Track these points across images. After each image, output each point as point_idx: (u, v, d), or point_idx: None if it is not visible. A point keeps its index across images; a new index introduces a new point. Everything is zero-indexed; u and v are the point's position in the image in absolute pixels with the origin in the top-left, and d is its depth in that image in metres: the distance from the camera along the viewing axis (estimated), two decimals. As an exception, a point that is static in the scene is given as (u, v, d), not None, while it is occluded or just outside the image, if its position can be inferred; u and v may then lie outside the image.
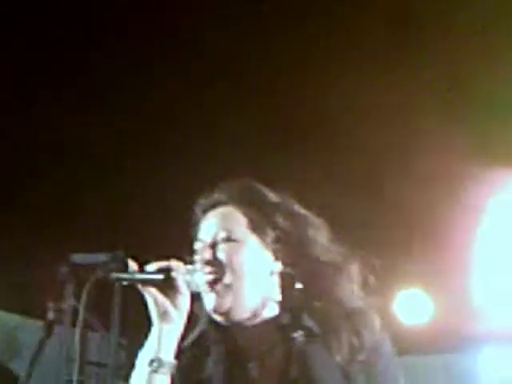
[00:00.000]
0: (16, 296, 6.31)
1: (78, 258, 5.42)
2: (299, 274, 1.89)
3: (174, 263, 1.81)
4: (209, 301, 1.87)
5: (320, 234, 1.93)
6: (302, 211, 1.96)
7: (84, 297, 1.76)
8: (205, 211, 1.98)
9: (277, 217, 1.92)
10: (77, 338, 1.83)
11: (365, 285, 1.91)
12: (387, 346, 1.90)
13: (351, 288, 1.91)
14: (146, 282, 1.80)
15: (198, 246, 1.94)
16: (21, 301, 6.40)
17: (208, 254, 1.89)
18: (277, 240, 1.91)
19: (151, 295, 1.80)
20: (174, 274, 1.79)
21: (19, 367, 6.24)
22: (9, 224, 5.45)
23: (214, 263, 1.88)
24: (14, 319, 6.93)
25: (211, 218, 1.96)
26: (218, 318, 1.88)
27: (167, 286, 1.78)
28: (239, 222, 1.93)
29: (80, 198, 5.67)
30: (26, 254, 5.81)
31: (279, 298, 1.90)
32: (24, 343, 6.68)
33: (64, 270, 5.48)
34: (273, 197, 1.96)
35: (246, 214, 1.93)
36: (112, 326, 6.88)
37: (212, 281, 1.86)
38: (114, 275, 1.80)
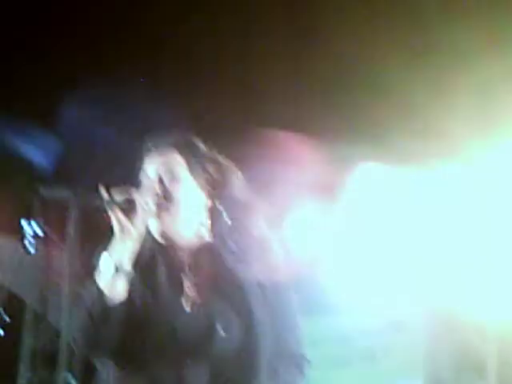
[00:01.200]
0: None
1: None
2: (225, 209, 2.50)
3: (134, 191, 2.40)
4: (155, 226, 2.42)
5: (237, 178, 2.54)
6: (225, 161, 2.55)
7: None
8: (152, 151, 2.53)
9: (207, 164, 2.51)
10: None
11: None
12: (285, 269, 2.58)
13: (262, 220, 2.57)
14: (113, 205, 2.36)
15: (146, 180, 2.48)
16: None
17: (157, 187, 2.44)
18: (206, 182, 2.50)
19: (116, 215, 2.34)
20: (135, 198, 2.38)
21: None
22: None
23: (161, 195, 2.42)
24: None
25: (159, 158, 2.51)
26: (161, 239, 2.43)
27: (129, 208, 2.36)
28: (181, 164, 2.51)
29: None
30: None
31: (210, 228, 2.49)
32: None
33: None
34: (204, 149, 2.55)
35: (185, 160, 2.50)
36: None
37: (158, 209, 2.40)
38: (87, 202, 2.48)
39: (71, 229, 7.54)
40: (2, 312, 6.42)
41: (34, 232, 2.89)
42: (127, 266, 2.37)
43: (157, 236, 2.45)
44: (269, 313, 2.47)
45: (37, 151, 6.72)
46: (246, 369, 2.42)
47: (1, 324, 5.66)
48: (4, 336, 6.19)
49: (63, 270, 7.61)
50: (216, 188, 2.52)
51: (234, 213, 2.53)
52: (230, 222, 2.51)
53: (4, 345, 6.39)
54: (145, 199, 2.41)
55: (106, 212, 2.36)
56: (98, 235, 2.43)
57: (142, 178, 2.53)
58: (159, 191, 2.46)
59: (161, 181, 2.49)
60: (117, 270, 2.36)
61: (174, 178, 2.51)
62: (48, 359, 7.50)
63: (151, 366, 2.41)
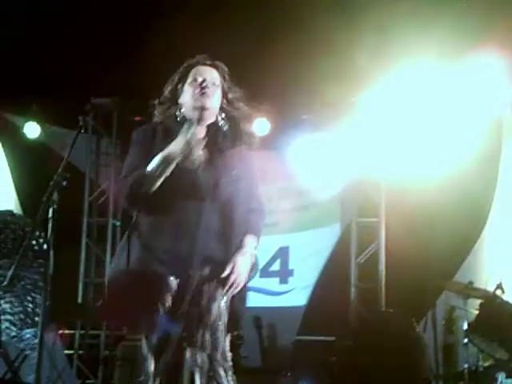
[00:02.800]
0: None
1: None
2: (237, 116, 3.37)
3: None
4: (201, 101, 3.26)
5: (240, 97, 3.37)
6: (238, 90, 3.39)
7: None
8: (201, 64, 3.34)
9: (228, 87, 3.37)
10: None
11: None
12: None
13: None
14: None
15: (197, 78, 3.30)
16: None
17: (204, 86, 3.26)
18: (225, 97, 3.35)
19: None
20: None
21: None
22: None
23: (207, 91, 3.27)
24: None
25: (207, 69, 3.34)
26: (200, 114, 3.27)
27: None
28: (218, 79, 3.34)
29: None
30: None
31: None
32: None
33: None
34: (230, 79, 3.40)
35: (221, 78, 3.35)
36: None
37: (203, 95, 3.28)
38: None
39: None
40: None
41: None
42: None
43: (198, 110, 3.23)
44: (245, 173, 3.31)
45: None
46: (233, 213, 3.22)
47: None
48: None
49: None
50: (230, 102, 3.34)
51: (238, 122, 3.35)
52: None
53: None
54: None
55: None
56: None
57: (190, 81, 3.30)
58: (207, 88, 3.27)
59: (205, 81, 3.28)
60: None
61: (215, 84, 3.30)
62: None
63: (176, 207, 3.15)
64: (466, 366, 5.68)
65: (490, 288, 5.82)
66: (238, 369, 3.26)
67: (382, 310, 7.57)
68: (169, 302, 3.16)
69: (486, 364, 5.73)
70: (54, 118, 8.05)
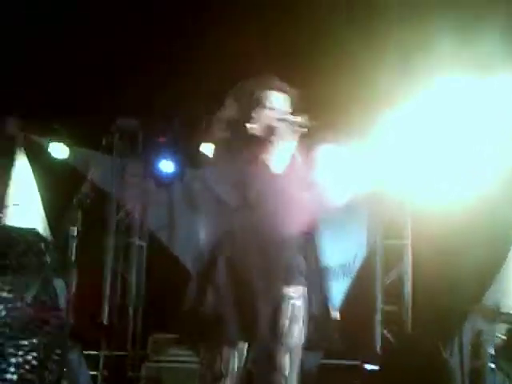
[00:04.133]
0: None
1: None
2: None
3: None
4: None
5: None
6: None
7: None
8: (272, 89, 3.25)
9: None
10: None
11: None
12: None
13: None
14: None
15: (269, 106, 3.24)
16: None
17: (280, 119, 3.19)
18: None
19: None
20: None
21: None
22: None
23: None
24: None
25: (279, 96, 3.28)
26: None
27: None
28: (288, 107, 3.27)
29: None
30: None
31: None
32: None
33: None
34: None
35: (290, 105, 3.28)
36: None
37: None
38: None
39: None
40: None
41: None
42: None
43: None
44: None
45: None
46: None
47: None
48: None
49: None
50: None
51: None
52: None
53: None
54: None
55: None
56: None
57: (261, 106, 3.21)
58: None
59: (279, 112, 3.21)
60: None
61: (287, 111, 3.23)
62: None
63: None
64: (492, 390, 5.61)
65: (518, 312, 5.75)
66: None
67: (408, 333, 7.50)
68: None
69: (513, 389, 5.65)
70: (80, 139, 8.10)
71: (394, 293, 7.87)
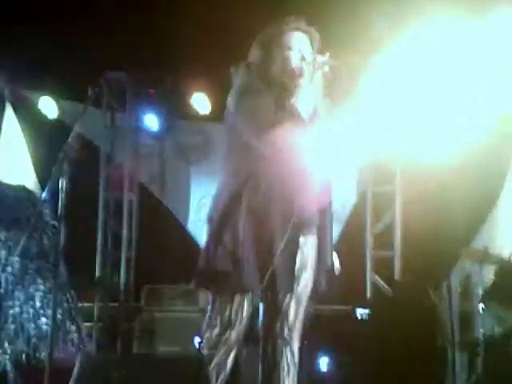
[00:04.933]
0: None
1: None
2: None
3: None
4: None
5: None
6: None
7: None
8: (293, 29, 3.24)
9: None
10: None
11: None
12: None
13: None
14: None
15: (291, 47, 3.21)
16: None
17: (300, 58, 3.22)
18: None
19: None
20: None
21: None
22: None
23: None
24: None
25: (300, 36, 3.25)
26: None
27: None
28: (310, 48, 3.24)
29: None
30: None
31: None
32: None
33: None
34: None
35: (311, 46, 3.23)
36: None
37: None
38: None
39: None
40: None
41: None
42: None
43: None
44: None
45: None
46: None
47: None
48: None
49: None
50: None
51: None
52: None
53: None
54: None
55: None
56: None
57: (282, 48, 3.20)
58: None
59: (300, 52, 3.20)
60: None
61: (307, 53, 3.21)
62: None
63: None
64: (481, 332, 5.68)
65: (506, 254, 5.80)
66: (254, 337, 3.27)
67: (398, 279, 7.58)
68: None
69: (502, 330, 5.73)
70: (69, 92, 8.06)
71: (384, 239, 7.93)
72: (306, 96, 3.11)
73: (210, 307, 3.13)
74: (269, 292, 3.10)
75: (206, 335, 3.10)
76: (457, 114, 6.97)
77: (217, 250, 3.04)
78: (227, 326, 3.07)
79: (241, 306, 3.07)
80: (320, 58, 3.14)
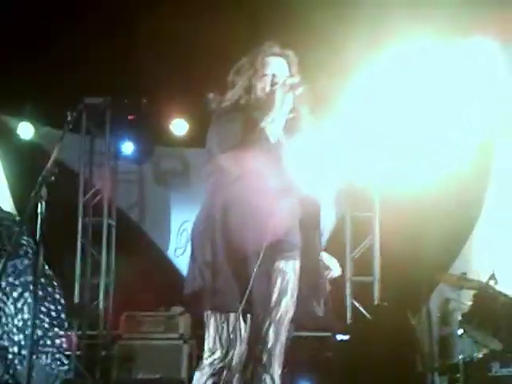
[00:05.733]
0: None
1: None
2: None
3: None
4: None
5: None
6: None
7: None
8: (270, 54, 3.28)
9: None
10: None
11: None
12: None
13: None
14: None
15: (267, 72, 3.25)
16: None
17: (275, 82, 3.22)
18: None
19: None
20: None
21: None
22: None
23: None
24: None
25: (277, 60, 3.30)
26: None
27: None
28: (287, 72, 3.27)
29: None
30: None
31: None
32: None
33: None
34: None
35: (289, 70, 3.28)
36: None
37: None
38: None
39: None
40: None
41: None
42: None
43: None
44: None
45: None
46: None
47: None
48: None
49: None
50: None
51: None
52: None
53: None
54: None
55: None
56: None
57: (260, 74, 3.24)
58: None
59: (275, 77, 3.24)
60: None
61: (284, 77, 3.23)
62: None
63: None
64: (460, 357, 5.70)
65: (483, 279, 5.84)
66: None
67: (376, 304, 7.59)
68: None
69: (481, 355, 5.75)
70: (48, 119, 8.06)
71: (363, 265, 7.95)
72: (277, 120, 3.12)
73: (206, 333, 3.12)
74: (248, 315, 3.09)
75: (209, 361, 3.09)
76: (435, 142, 7.01)
77: (197, 271, 3.06)
78: (227, 347, 3.06)
79: (237, 326, 3.06)
80: (290, 81, 3.19)
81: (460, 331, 5.77)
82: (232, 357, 3.05)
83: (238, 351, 3.06)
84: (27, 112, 8.13)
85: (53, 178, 3.30)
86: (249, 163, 3.04)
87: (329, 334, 7.05)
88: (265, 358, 3.09)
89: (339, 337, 6.84)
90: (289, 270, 3.16)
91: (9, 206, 7.73)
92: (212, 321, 3.05)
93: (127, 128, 8.43)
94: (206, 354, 3.07)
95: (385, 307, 7.11)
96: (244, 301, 2.98)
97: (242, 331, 3.08)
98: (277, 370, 3.12)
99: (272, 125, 3.09)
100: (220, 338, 3.04)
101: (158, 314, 7.66)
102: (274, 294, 3.12)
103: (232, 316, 3.03)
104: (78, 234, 8.28)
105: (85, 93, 7.81)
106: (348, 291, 7.93)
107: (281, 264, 3.15)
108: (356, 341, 6.53)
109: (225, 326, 3.03)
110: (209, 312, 3.06)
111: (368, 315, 7.59)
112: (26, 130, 8.24)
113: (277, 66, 3.29)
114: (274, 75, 3.26)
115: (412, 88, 6.83)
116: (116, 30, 6.83)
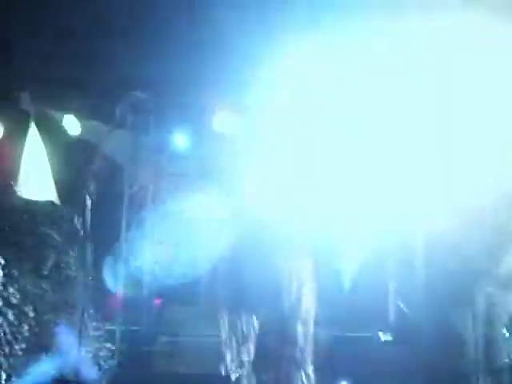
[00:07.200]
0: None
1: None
2: None
3: None
4: None
5: None
6: None
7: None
8: None
9: None
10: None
11: None
12: None
13: None
14: None
15: None
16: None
17: None
18: None
19: None
20: None
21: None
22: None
23: None
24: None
25: None
26: None
27: None
28: None
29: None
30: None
31: None
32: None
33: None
34: None
35: None
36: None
37: None
38: None
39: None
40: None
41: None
42: None
43: None
44: None
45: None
46: None
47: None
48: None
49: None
50: None
51: None
52: None
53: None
54: None
55: None
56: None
57: None
58: None
59: None
60: None
61: None
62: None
63: None
64: (507, 358, 5.61)
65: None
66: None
67: (420, 304, 7.50)
68: None
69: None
70: (93, 113, 8.12)
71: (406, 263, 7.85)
72: None
73: (226, 332, 3.12)
74: (272, 315, 3.06)
75: (230, 357, 3.07)
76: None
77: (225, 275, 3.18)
78: (243, 345, 3.07)
79: (251, 325, 3.02)
80: None
81: (506, 332, 5.67)
82: (248, 355, 3.11)
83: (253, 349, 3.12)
84: (72, 105, 8.20)
85: (99, 172, 3.32)
86: None
87: (370, 334, 7.00)
88: (297, 355, 3.03)
89: (382, 337, 6.78)
90: (308, 272, 3.18)
91: (54, 199, 7.80)
92: (226, 320, 3.20)
93: (172, 123, 8.45)
94: (225, 351, 3.20)
95: (429, 306, 7.03)
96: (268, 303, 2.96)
97: (257, 331, 3.12)
98: (310, 367, 3.08)
99: None
100: (237, 338, 3.14)
101: (198, 310, 7.67)
102: (295, 295, 3.05)
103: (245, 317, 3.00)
104: (122, 228, 8.33)
105: (131, 87, 7.83)
106: (391, 290, 7.84)
107: (294, 264, 3.19)
108: (399, 340, 6.47)
109: (238, 326, 3.14)
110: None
111: (411, 314, 7.51)
112: (71, 124, 8.31)
113: None
114: None
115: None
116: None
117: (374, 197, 5.06)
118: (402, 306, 7.76)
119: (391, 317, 7.79)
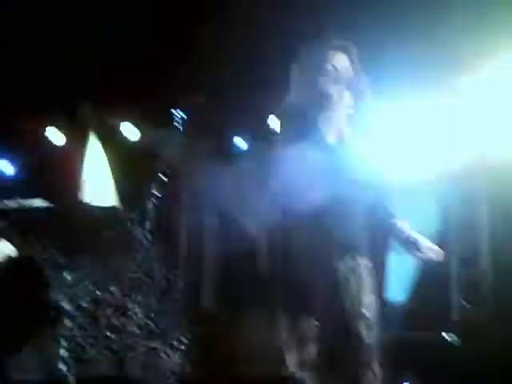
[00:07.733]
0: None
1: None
2: None
3: None
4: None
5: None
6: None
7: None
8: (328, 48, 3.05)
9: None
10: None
11: None
12: None
13: None
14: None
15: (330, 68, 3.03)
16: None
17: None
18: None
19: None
20: None
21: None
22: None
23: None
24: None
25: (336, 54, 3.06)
26: None
27: None
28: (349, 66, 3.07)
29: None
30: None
31: None
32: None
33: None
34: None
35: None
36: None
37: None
38: None
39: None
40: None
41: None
42: None
43: None
44: None
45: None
46: None
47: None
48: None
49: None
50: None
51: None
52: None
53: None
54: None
55: None
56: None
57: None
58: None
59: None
60: None
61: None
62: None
63: None
64: None
65: None
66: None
67: (486, 303, 7.36)
68: None
69: None
70: (151, 119, 8.19)
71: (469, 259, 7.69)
72: (335, 121, 3.06)
73: (283, 331, 3.10)
74: (334, 315, 3.03)
75: (290, 357, 3.06)
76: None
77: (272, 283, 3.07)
78: (303, 345, 3.03)
79: (312, 325, 3.02)
80: (352, 76, 3.06)
81: None
82: (309, 355, 3.01)
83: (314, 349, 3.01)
84: (130, 112, 8.30)
85: (164, 178, 3.35)
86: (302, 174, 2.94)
87: (433, 333, 6.90)
88: (364, 355, 3.02)
89: (447, 337, 6.67)
90: (363, 267, 3.08)
91: (114, 203, 7.92)
92: (283, 320, 3.04)
93: (229, 126, 8.48)
94: (285, 351, 3.05)
95: (495, 306, 6.92)
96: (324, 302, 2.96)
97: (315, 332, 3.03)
98: (377, 367, 3.04)
99: (330, 128, 3.02)
100: (295, 338, 3.03)
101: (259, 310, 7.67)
102: (353, 293, 3.04)
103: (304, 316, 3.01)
104: (180, 232, 8.39)
105: (185, 92, 7.88)
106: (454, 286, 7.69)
107: (353, 263, 3.07)
108: (465, 343, 6.36)
109: (298, 326, 3.01)
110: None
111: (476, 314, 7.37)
112: (130, 131, 8.43)
113: (337, 62, 3.07)
114: (335, 69, 3.07)
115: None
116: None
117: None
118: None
119: (453, 315, 7.66)
